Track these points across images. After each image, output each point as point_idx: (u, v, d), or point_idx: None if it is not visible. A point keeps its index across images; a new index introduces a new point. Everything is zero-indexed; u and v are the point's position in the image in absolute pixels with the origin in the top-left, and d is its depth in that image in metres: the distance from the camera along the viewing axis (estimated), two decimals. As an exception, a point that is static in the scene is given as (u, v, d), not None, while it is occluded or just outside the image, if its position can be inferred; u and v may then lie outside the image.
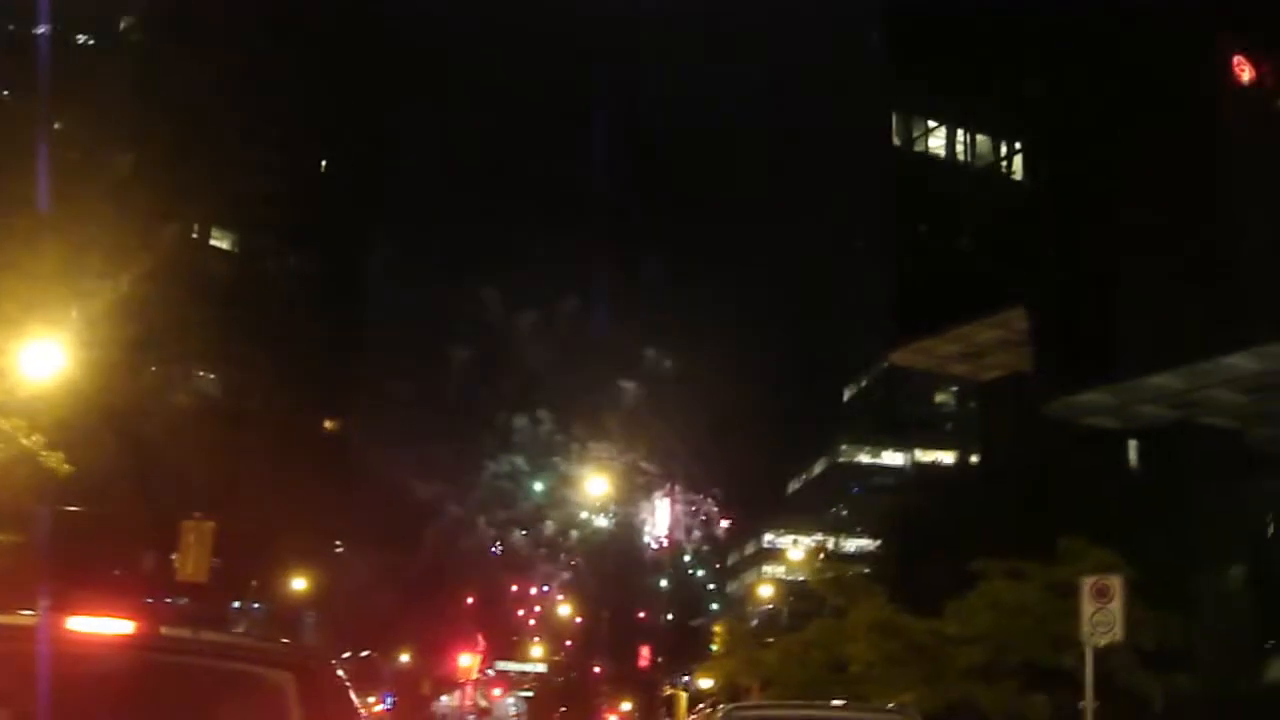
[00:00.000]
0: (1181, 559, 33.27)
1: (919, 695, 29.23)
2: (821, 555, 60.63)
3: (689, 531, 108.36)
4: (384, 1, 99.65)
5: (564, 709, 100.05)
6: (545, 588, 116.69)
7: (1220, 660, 30.45)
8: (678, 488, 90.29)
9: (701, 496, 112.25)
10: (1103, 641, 23.27)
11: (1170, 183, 35.21)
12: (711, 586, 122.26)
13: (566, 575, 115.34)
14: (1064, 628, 25.58)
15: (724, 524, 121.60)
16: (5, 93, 74.77)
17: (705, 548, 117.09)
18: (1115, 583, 23.40)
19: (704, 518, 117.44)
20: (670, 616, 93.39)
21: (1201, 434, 38.03)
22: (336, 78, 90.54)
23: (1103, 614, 23.11)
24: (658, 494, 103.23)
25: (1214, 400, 36.95)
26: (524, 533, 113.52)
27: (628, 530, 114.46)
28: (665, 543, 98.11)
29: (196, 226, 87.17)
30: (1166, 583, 28.42)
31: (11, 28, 78.47)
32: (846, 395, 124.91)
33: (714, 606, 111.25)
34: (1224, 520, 35.57)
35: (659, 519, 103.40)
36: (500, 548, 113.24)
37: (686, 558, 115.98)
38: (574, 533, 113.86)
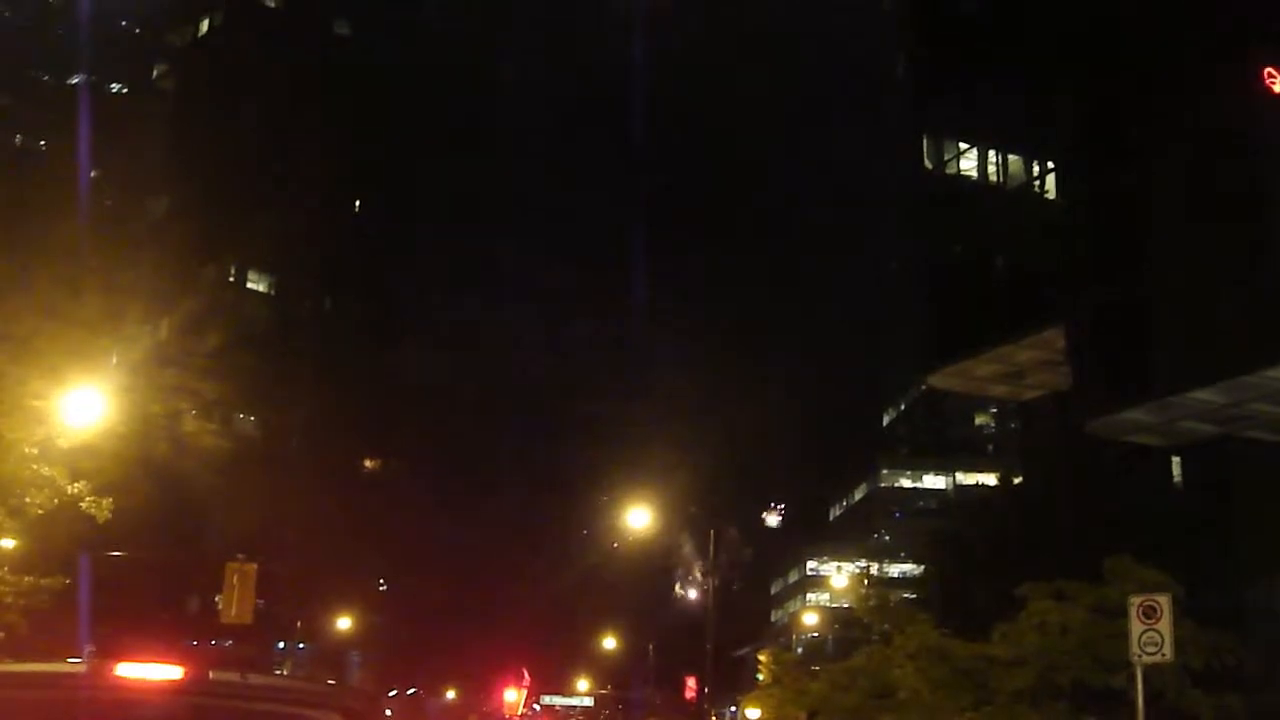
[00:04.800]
0: (1229, 576, 32.98)
1: (968, 720, 29.05)
2: (865, 581, 60.38)
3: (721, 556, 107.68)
4: (415, 44, 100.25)
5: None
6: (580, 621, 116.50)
7: (1271, 678, 30.10)
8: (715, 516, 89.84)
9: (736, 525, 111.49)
10: (1151, 661, 23.08)
11: (1206, 197, 35.02)
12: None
13: (591, 603, 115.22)
14: (1112, 648, 25.37)
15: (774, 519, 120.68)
16: (41, 142, 75.75)
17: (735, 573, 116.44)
18: (1163, 601, 23.22)
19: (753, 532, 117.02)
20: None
21: (1246, 448, 37.67)
22: (370, 118, 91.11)
23: (1151, 633, 22.93)
24: (687, 523, 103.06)
25: (1258, 414, 36.61)
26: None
27: (661, 560, 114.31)
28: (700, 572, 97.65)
29: (233, 270, 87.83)
30: (1215, 600, 28.17)
31: (46, 78, 79.47)
32: (886, 420, 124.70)
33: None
34: (1271, 535, 35.19)
35: (690, 549, 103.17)
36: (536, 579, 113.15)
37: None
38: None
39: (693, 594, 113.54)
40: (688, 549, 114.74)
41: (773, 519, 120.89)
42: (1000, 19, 44.22)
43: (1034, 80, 42.62)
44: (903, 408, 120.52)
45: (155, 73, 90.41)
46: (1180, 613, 24.13)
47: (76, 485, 28.45)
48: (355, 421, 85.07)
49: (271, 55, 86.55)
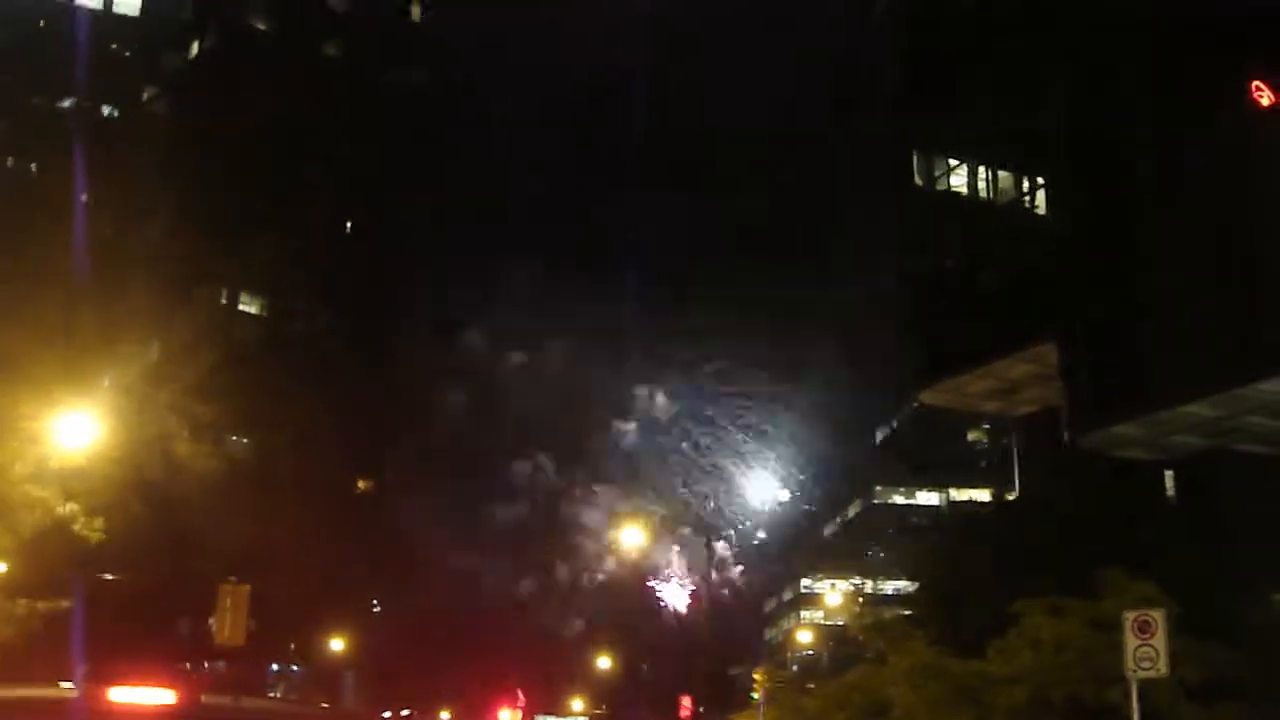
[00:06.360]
0: (1223, 589, 32.94)
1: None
2: (859, 599, 60.37)
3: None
4: (408, 63, 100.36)
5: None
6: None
7: (1266, 691, 30.06)
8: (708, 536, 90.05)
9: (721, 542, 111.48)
10: (1146, 675, 23.09)
11: (1197, 210, 35.11)
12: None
13: (581, 623, 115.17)
14: (1107, 663, 25.37)
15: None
16: (33, 166, 75.72)
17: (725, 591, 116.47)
18: (1157, 616, 23.26)
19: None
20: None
21: (1238, 462, 37.68)
22: (362, 138, 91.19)
23: (1146, 648, 22.95)
24: (676, 540, 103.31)
25: (1249, 427, 36.65)
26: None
27: (653, 576, 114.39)
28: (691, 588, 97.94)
29: (226, 292, 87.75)
30: (1209, 614, 28.14)
31: (36, 101, 79.42)
32: (878, 437, 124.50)
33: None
34: (1265, 548, 35.18)
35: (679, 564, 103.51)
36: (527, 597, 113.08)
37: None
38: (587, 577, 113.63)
39: (681, 605, 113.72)
40: (677, 564, 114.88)
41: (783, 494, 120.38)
42: (990, 33, 44.32)
43: (1024, 95, 42.71)
44: (895, 424, 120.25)
45: (147, 95, 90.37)
46: (1175, 627, 24.14)
47: (69, 506, 28.42)
48: (348, 442, 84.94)
49: (263, 77, 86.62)
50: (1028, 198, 46.00)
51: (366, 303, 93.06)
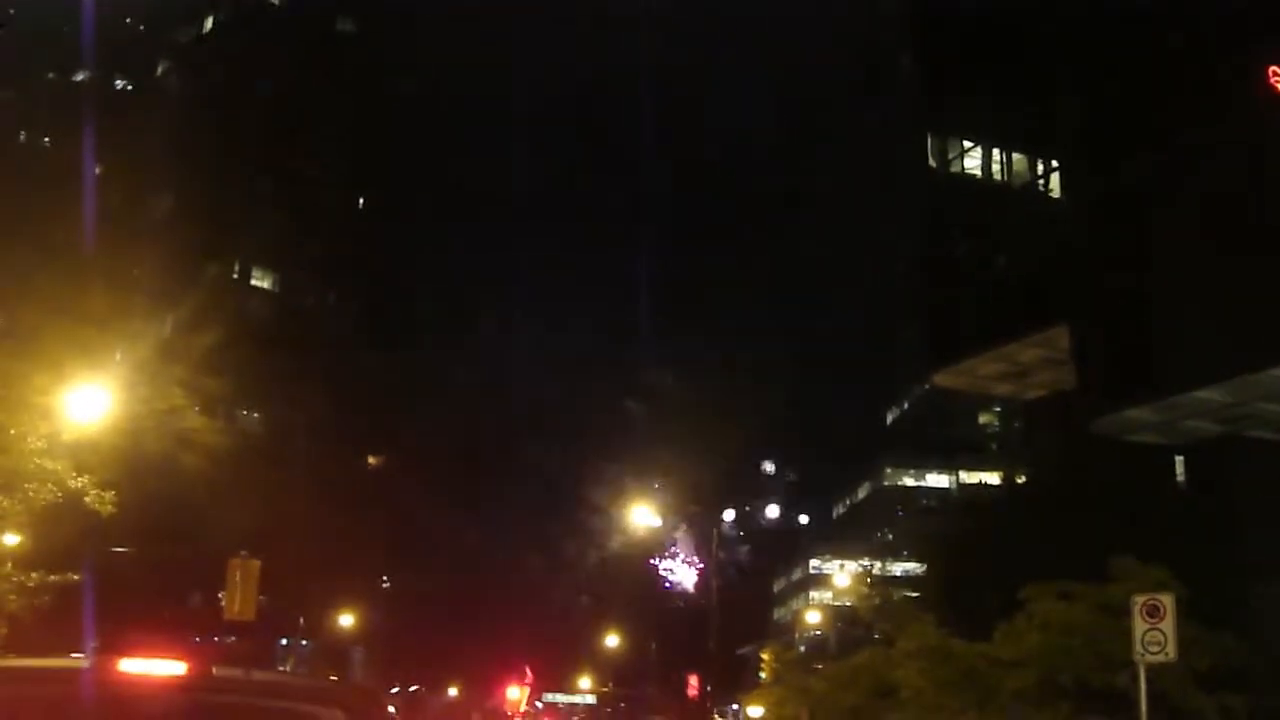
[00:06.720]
0: (1234, 575, 32.92)
1: (970, 720, 29.05)
2: (868, 580, 60.46)
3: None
4: (419, 40, 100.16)
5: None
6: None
7: (1276, 678, 30.06)
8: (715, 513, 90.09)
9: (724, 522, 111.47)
10: (1154, 660, 23.08)
11: (1210, 194, 34.99)
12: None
13: (589, 600, 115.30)
14: (1116, 647, 25.35)
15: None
16: (45, 139, 75.73)
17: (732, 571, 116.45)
18: (1166, 601, 23.23)
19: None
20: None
21: (1249, 448, 37.64)
22: (373, 115, 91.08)
23: (1154, 633, 22.94)
24: (683, 518, 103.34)
25: (1262, 413, 36.60)
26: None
27: (660, 555, 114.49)
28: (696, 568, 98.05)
29: (237, 266, 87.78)
30: (1219, 600, 28.11)
31: (51, 75, 79.42)
32: (889, 418, 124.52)
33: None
34: (1276, 536, 35.13)
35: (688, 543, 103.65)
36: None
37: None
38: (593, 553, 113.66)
39: (688, 584, 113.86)
40: (684, 543, 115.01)
41: (772, 510, 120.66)
42: (1004, 17, 44.19)
43: (1038, 79, 42.60)
44: (906, 406, 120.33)
45: (160, 69, 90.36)
46: (1184, 613, 24.11)
47: (81, 479, 28.49)
48: (359, 418, 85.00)
49: (276, 52, 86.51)
50: (1042, 180, 45.91)
51: (377, 280, 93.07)
